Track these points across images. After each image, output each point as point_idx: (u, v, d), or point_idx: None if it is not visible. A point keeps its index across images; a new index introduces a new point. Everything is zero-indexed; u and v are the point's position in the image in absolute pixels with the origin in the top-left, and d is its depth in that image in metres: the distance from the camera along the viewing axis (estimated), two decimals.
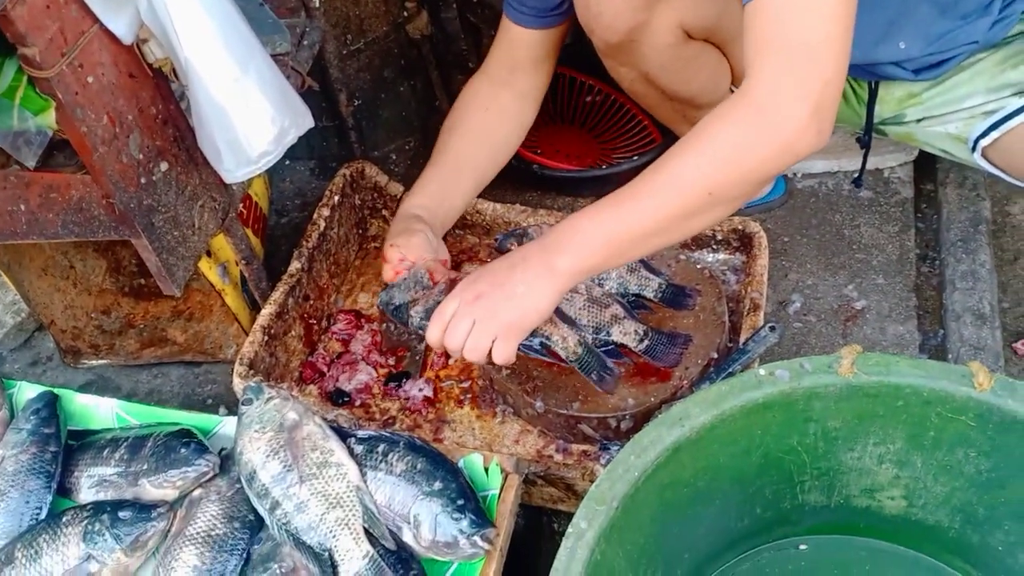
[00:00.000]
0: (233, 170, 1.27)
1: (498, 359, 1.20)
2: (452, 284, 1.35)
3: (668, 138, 1.81)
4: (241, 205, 1.61)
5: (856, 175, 1.71)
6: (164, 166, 1.29)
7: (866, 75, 1.49)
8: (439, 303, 1.27)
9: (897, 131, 1.54)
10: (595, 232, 1.13)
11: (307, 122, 1.32)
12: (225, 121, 1.21)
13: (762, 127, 1.03)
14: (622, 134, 1.95)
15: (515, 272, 1.18)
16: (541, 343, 1.32)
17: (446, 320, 1.21)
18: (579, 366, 1.33)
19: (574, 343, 1.33)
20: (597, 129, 1.99)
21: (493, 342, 1.19)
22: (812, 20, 0.99)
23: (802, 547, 1.27)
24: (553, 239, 1.16)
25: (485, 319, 1.19)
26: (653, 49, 1.38)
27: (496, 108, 1.57)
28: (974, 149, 1.41)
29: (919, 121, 1.48)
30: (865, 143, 1.60)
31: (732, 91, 1.52)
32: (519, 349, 1.25)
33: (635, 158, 1.83)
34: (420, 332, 1.33)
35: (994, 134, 1.37)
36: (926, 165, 1.79)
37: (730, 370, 1.35)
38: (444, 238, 1.58)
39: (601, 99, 1.97)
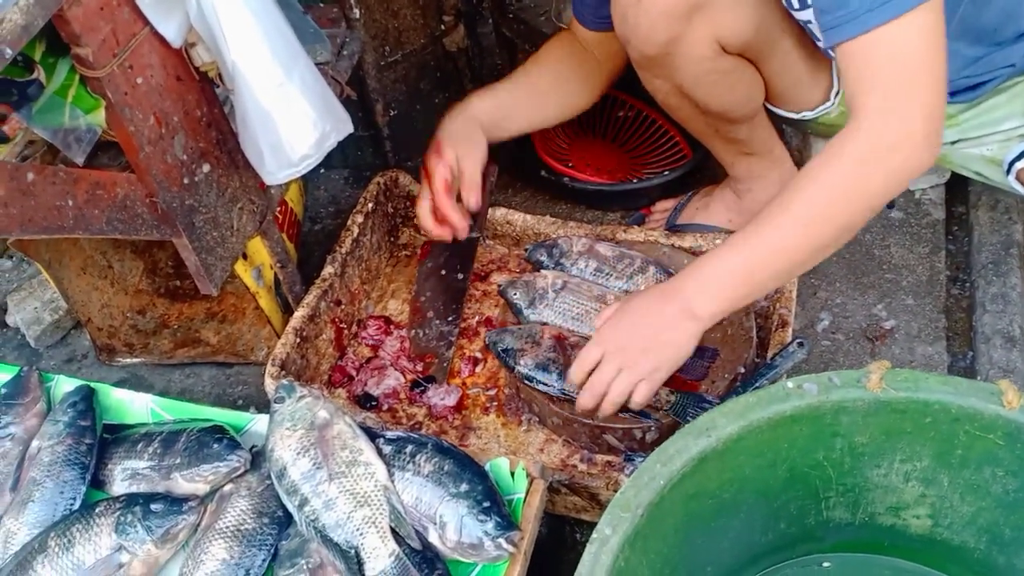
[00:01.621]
0: (275, 172, 1.30)
1: (639, 401, 1.27)
2: (558, 341, 1.43)
3: (699, 152, 1.82)
4: (277, 210, 1.64)
5: None
6: (206, 168, 1.32)
7: None
8: (549, 359, 1.40)
9: None
10: (729, 273, 1.20)
11: (347, 127, 1.35)
12: (269, 124, 1.24)
13: (878, 161, 1.11)
14: (653, 149, 1.96)
15: (658, 319, 1.24)
16: None
17: (590, 366, 1.28)
18: (674, 413, 1.35)
19: (665, 393, 1.36)
20: (628, 144, 2.00)
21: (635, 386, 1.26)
22: (906, 55, 1.07)
23: (826, 564, 1.27)
24: (689, 282, 1.22)
25: (631, 367, 1.25)
26: (688, 62, 1.40)
27: (578, 62, 1.63)
28: (1008, 171, 1.40)
29: (954, 143, 1.48)
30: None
31: (766, 107, 1.54)
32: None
33: (666, 173, 1.85)
34: (526, 383, 1.42)
35: None
36: (958, 187, 1.79)
37: (757, 385, 1.35)
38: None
39: (633, 114, 1.98)
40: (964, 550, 1.19)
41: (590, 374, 1.29)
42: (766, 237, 1.17)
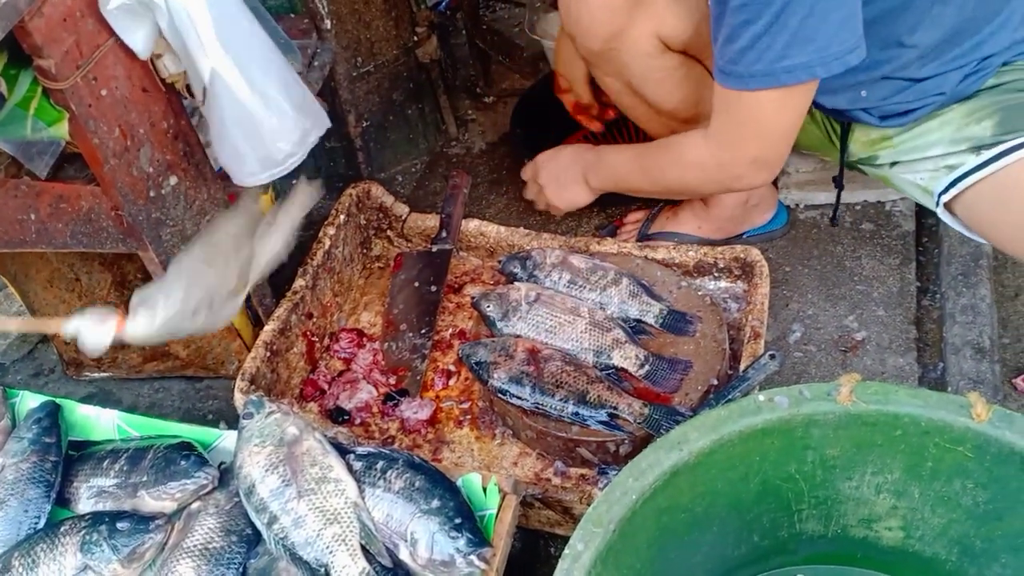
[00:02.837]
0: (258, 173, 1.30)
1: (547, 206, 1.77)
2: (532, 354, 1.43)
3: None
4: None
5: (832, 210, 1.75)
6: (173, 180, 1.31)
7: (836, 116, 1.51)
8: (523, 372, 1.42)
9: (874, 172, 1.54)
10: (615, 171, 1.61)
11: (325, 123, 1.37)
12: (250, 125, 1.23)
13: (706, 170, 1.44)
14: None
15: (569, 173, 1.69)
16: (608, 414, 1.36)
17: (531, 175, 1.77)
18: (648, 426, 1.35)
19: (639, 406, 1.36)
20: None
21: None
22: (766, 118, 1.31)
23: None
24: (594, 161, 1.64)
25: (547, 193, 1.73)
26: (632, 58, 1.45)
27: None
28: (937, 204, 1.41)
29: (892, 165, 1.48)
30: (838, 183, 1.62)
31: None
32: (584, 423, 1.38)
33: None
34: (500, 397, 1.44)
35: (953, 190, 1.37)
36: None
37: (730, 397, 1.35)
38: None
39: None
40: (936, 562, 1.19)
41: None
42: (633, 166, 1.58)
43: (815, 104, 1.50)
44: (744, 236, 1.77)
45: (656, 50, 1.46)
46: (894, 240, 1.75)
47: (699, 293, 1.54)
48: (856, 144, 1.52)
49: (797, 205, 1.83)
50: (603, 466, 1.41)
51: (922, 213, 1.81)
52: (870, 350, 1.59)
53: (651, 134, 1.66)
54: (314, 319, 1.64)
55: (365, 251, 1.82)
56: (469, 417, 1.54)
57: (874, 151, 1.49)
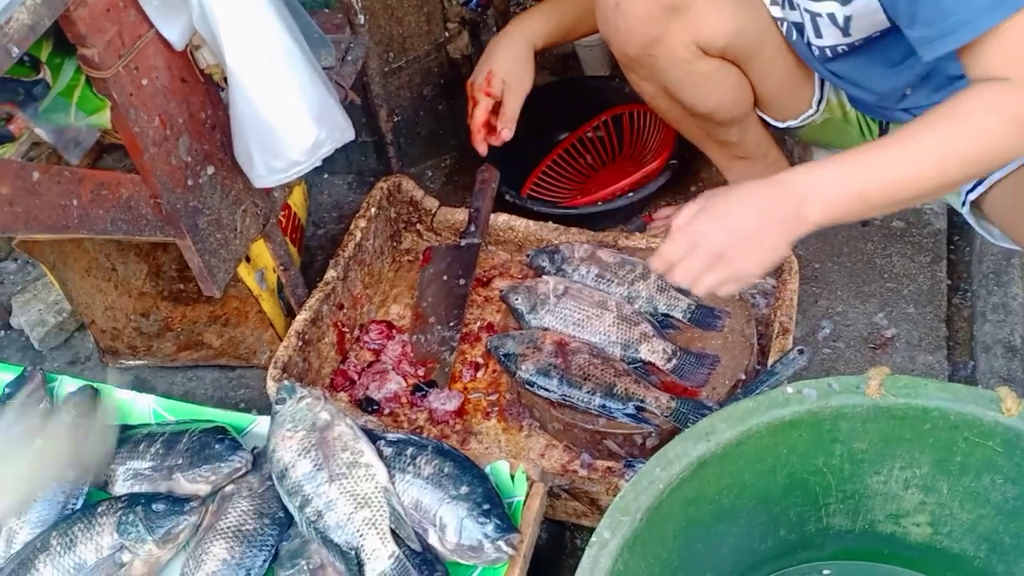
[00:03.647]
0: (265, 176, 1.30)
1: (723, 295, 1.20)
2: (560, 346, 1.43)
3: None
4: (280, 214, 1.65)
5: None
6: (211, 170, 1.33)
7: (875, 115, 1.50)
8: (550, 364, 1.40)
9: None
10: (847, 187, 1.12)
11: (346, 135, 1.35)
12: (261, 128, 1.24)
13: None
14: (642, 138, 1.97)
15: (765, 221, 1.13)
16: (636, 407, 1.36)
17: (678, 257, 1.17)
18: (675, 419, 1.35)
19: (666, 399, 1.36)
20: (623, 150, 2.01)
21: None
22: None
23: (826, 572, 1.27)
24: (806, 185, 1.13)
25: (722, 267, 1.14)
26: (669, 64, 1.43)
27: None
28: (964, 202, 1.40)
29: None
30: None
31: (756, 112, 1.55)
32: (611, 416, 1.36)
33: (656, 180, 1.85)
34: (527, 388, 1.43)
35: (980, 188, 1.35)
36: None
37: (758, 392, 1.35)
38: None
39: (603, 128, 1.99)
40: (964, 558, 1.19)
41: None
42: (893, 163, 1.11)
43: (854, 104, 1.50)
44: None
45: (694, 56, 1.43)
46: (925, 238, 1.74)
47: None
48: None
49: None
50: (630, 459, 1.41)
51: (953, 211, 1.80)
52: (900, 347, 1.58)
53: (687, 136, 1.65)
54: (344, 310, 1.66)
55: (395, 244, 1.84)
56: (496, 409, 1.55)
57: None
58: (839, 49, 1.34)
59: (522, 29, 1.64)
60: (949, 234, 1.76)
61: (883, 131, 1.51)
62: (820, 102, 1.50)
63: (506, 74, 1.64)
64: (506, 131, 1.68)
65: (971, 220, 1.43)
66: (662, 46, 1.41)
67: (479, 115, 1.67)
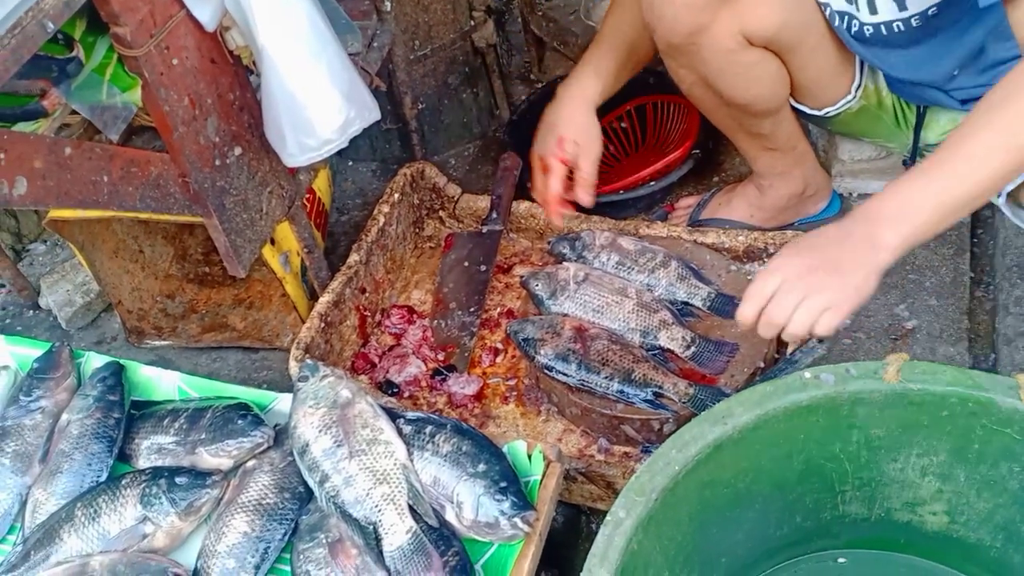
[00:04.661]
0: (296, 155, 1.32)
1: (824, 331, 1.15)
2: (579, 332, 1.44)
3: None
4: (305, 197, 1.67)
5: None
6: (238, 151, 1.35)
7: (915, 99, 1.49)
8: (569, 350, 1.42)
9: None
10: (923, 200, 1.11)
11: (373, 115, 1.37)
12: (293, 107, 1.26)
13: None
14: (665, 126, 1.97)
15: (841, 248, 1.14)
16: (654, 393, 1.38)
17: (765, 298, 1.16)
18: (692, 405, 1.36)
19: (684, 386, 1.37)
20: (646, 140, 2.01)
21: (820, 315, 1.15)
22: None
23: (841, 560, 1.27)
24: (875, 210, 1.13)
25: (814, 295, 1.13)
26: (713, 53, 1.41)
27: None
28: (1000, 193, 1.38)
29: None
30: (910, 167, 1.59)
31: (791, 102, 1.54)
32: (629, 401, 1.38)
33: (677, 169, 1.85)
34: (546, 373, 1.45)
35: (1019, 180, 1.33)
36: None
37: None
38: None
39: (628, 120, 1.98)
40: (980, 548, 1.18)
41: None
42: (966, 160, 1.09)
43: (896, 88, 1.49)
44: (795, 224, 1.77)
45: (739, 46, 1.41)
46: (948, 230, 1.73)
47: (748, 278, 1.55)
48: (928, 130, 1.50)
49: (850, 194, 1.82)
50: (647, 444, 1.42)
51: None
52: (920, 339, 1.58)
53: (718, 126, 1.64)
54: (367, 294, 1.68)
55: (417, 230, 1.86)
56: (515, 394, 1.56)
57: (945, 137, 1.47)
58: (894, 27, 1.32)
59: (579, 92, 1.58)
60: (973, 227, 1.75)
61: (919, 117, 1.50)
62: (858, 88, 1.50)
63: (577, 136, 1.56)
64: (588, 197, 1.58)
65: (1007, 211, 1.41)
66: (708, 35, 1.40)
67: (555, 184, 1.56)
